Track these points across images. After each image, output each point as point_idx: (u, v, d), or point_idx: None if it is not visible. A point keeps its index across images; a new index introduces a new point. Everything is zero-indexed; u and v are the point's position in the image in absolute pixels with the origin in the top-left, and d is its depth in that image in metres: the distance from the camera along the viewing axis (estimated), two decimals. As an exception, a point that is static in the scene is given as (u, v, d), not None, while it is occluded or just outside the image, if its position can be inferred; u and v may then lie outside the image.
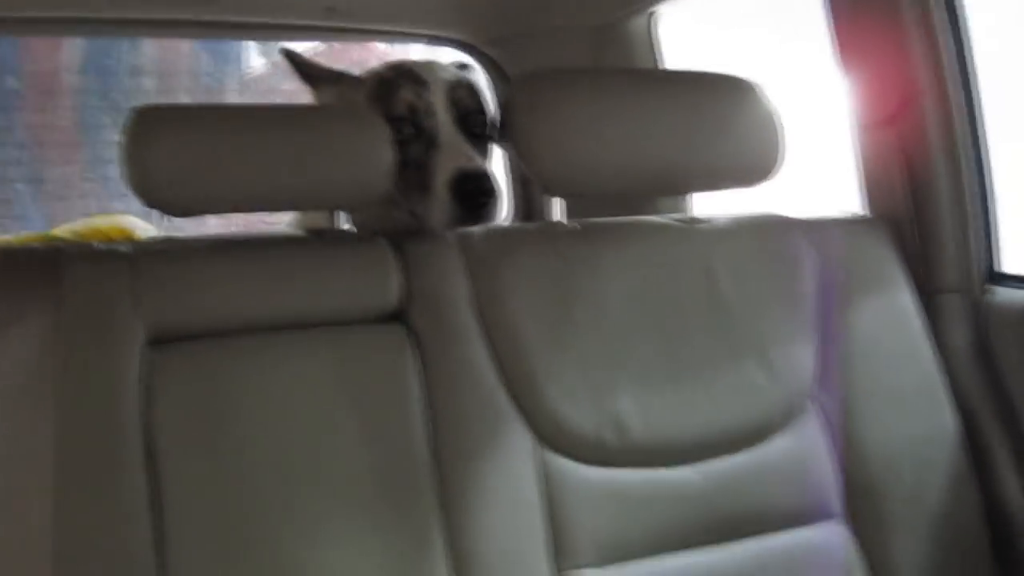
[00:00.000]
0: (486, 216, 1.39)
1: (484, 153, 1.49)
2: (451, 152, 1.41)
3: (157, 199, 1.23)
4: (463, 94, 1.49)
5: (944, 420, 1.49)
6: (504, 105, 1.44)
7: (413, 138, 1.44)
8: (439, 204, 1.38)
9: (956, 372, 1.54)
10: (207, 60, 3.05)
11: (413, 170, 1.42)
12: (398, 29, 2.24)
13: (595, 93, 1.39)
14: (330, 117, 1.38)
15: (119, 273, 1.20)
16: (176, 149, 1.21)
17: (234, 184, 1.24)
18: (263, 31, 2.22)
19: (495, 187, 1.39)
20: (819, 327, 1.47)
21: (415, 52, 2.38)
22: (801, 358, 1.45)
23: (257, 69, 3.22)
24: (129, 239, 1.77)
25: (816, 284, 1.49)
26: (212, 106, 1.36)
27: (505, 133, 1.43)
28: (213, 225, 1.77)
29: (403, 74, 1.49)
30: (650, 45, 2.17)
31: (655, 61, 2.18)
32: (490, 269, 1.36)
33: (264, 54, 3.22)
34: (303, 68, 1.58)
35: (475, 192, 1.38)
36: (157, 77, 2.90)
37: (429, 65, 1.53)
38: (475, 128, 1.48)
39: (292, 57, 1.58)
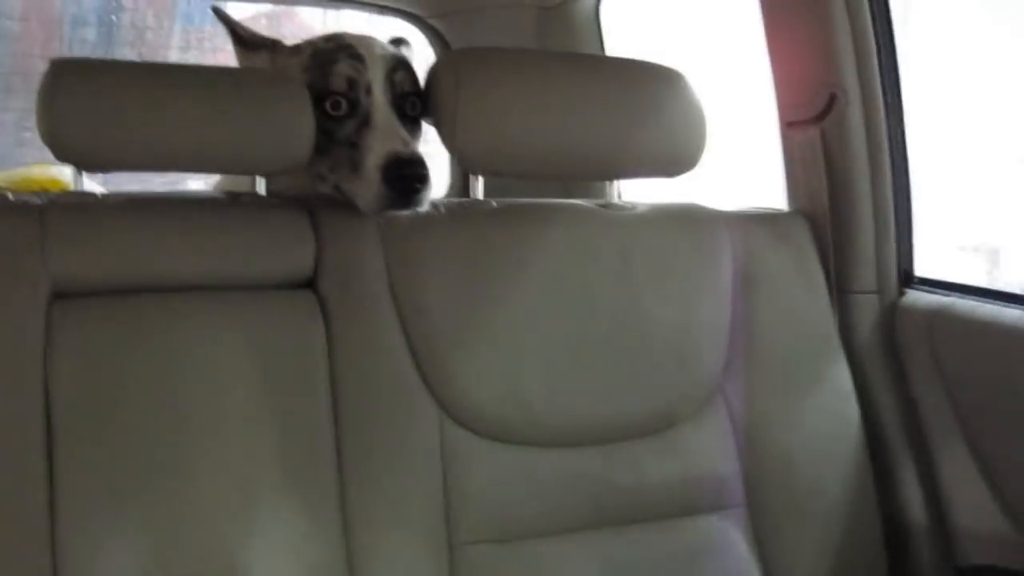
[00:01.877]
0: (417, 203, 1.38)
1: (416, 135, 1.49)
2: (386, 134, 1.40)
3: (68, 152, 1.24)
4: (401, 74, 1.47)
5: (847, 417, 1.55)
6: (429, 80, 1.46)
7: (347, 115, 1.42)
8: (370, 187, 1.36)
9: (863, 371, 1.60)
10: (151, 15, 3.05)
11: (344, 148, 1.41)
12: None
13: (520, 74, 1.43)
14: (249, 79, 1.39)
15: (28, 225, 1.20)
16: (88, 103, 1.22)
17: (145, 141, 1.26)
18: None
19: (428, 174, 1.37)
20: (731, 319, 1.52)
21: (352, 24, 2.42)
22: (711, 349, 1.50)
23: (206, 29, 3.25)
24: (64, 192, 1.73)
25: (731, 276, 1.54)
26: (128, 63, 1.36)
27: (429, 108, 1.46)
28: (154, 183, 1.76)
29: (341, 47, 1.47)
30: (594, 29, 2.23)
31: (598, 45, 2.24)
32: (404, 242, 1.38)
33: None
34: (235, 30, 1.55)
35: (408, 178, 1.36)
36: (97, 27, 2.93)
37: (368, 41, 1.51)
38: (410, 110, 1.47)
39: (224, 18, 1.55)
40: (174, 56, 3.05)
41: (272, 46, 1.56)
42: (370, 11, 2.34)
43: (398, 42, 1.70)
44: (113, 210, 1.28)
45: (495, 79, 1.41)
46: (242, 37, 1.56)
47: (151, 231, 1.27)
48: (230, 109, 1.29)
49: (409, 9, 2.30)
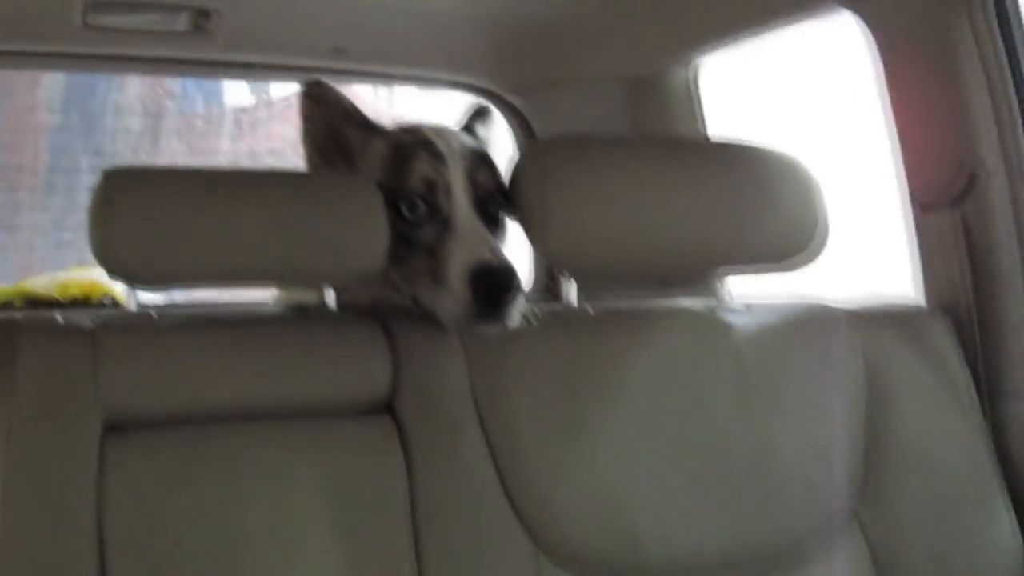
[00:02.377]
0: (506, 317, 1.34)
1: (501, 237, 1.46)
2: (470, 240, 1.37)
3: (123, 269, 1.24)
4: (483, 171, 1.45)
5: (1007, 547, 1.46)
6: (514, 175, 1.44)
7: (425, 219, 1.41)
8: (453, 300, 1.33)
9: (1019, 485, 1.51)
10: (197, 98, 3.12)
11: (422, 255, 1.39)
12: (414, 73, 2.28)
13: (614, 164, 1.39)
14: (315, 181, 1.38)
15: (80, 352, 1.20)
16: (144, 216, 1.22)
17: (205, 256, 1.25)
18: (262, 72, 2.26)
19: (519, 285, 1.34)
20: (865, 433, 1.45)
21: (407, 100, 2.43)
22: (843, 471, 1.42)
23: (246, 103, 3.27)
24: (108, 297, 1.78)
25: (863, 386, 1.47)
26: (186, 170, 1.36)
27: (514, 203, 1.43)
28: (198, 293, 1.78)
29: (420, 142, 1.45)
30: (691, 100, 2.18)
31: (698, 121, 2.18)
32: (491, 358, 1.35)
33: (253, 91, 3.28)
34: (347, 111, 1.50)
35: (497, 290, 1.33)
36: (142, 116, 2.97)
37: (447, 134, 1.50)
38: (494, 210, 1.44)
39: (327, 95, 1.50)
40: (225, 144, 3.12)
41: (369, 130, 1.51)
42: (441, 88, 2.34)
43: (479, 114, 1.68)
44: (169, 331, 1.28)
45: (587, 171, 1.37)
46: (352, 119, 1.50)
47: (210, 354, 1.26)
48: (295, 215, 1.28)
49: (484, 85, 2.29)
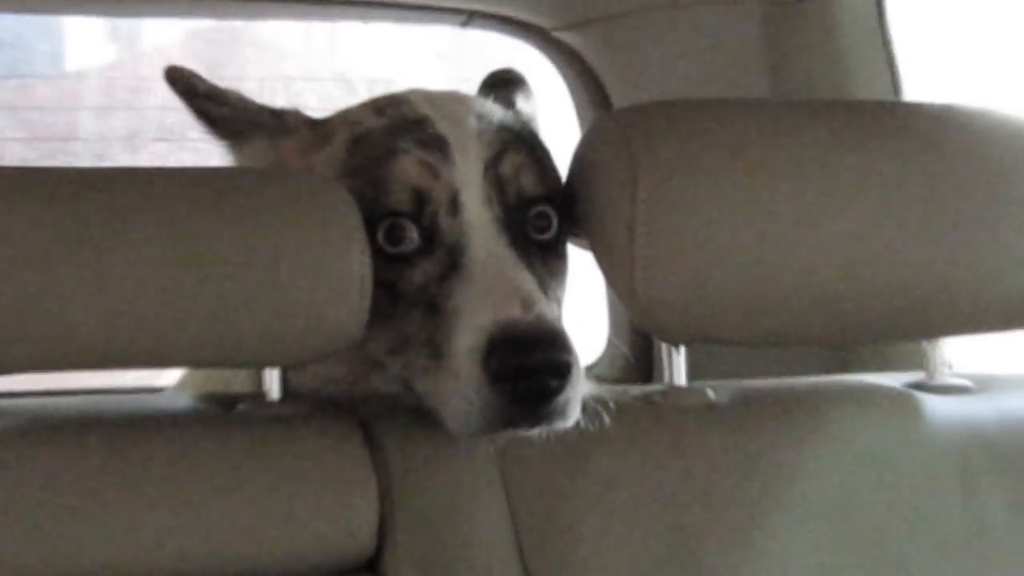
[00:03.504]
0: (553, 416, 1.20)
1: (556, 278, 1.35)
2: (490, 286, 1.24)
3: None
4: (517, 165, 1.33)
5: None
6: (575, 164, 1.30)
7: (418, 252, 1.29)
8: (462, 388, 1.21)
9: None
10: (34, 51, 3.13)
11: (416, 314, 1.28)
12: (437, 4, 2.21)
13: (743, 145, 1.28)
14: (242, 185, 1.26)
15: None
16: None
17: (52, 324, 1.15)
18: (261, 6, 2.32)
19: (571, 360, 1.18)
20: None
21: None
22: None
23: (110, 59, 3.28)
24: None
25: None
26: (12, 170, 1.28)
27: (577, 218, 1.31)
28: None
29: (403, 124, 1.33)
30: (876, 34, 1.95)
31: (886, 66, 1.93)
32: (545, 486, 1.26)
33: (114, 38, 3.28)
34: (205, 100, 1.41)
35: (534, 372, 1.19)
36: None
37: (452, 103, 1.37)
38: (539, 232, 1.32)
39: (184, 81, 1.41)
40: (87, 123, 3.14)
41: (280, 124, 1.42)
42: (470, 25, 2.24)
43: (506, 81, 1.56)
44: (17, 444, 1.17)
45: (703, 162, 1.24)
46: (219, 116, 1.44)
47: (85, 484, 1.16)
48: (213, 246, 1.17)
49: (528, 19, 2.14)
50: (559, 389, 1.20)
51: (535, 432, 1.23)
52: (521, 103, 1.54)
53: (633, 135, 1.31)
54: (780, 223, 1.27)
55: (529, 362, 1.20)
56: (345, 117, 1.39)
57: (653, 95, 1.96)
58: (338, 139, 1.38)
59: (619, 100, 2.17)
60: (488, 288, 1.25)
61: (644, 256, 1.26)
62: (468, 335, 1.22)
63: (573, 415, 1.23)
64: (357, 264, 1.21)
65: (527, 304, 1.23)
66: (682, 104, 1.43)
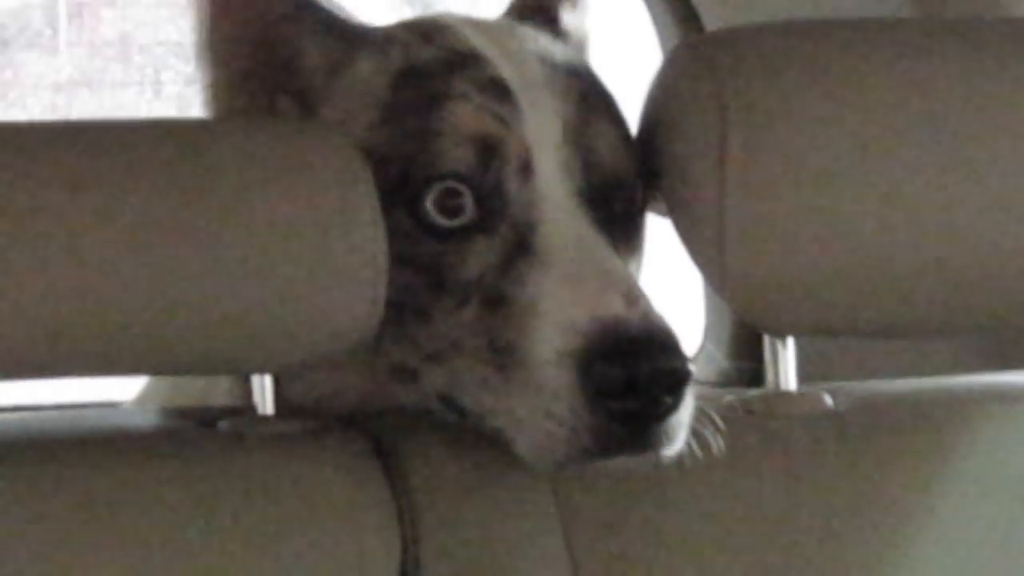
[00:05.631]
0: (662, 439, 1.07)
1: (634, 256, 1.19)
2: (579, 274, 1.09)
3: None
4: (598, 121, 1.16)
5: None
6: (649, 103, 1.14)
7: (476, 226, 1.12)
8: (550, 405, 1.07)
9: None
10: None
11: (470, 309, 1.12)
12: None
13: (874, 82, 1.12)
14: (229, 143, 1.13)
15: None
16: None
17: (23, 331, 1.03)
18: None
19: (688, 370, 1.06)
20: None
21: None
22: None
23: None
24: None
25: None
26: None
27: (653, 181, 1.16)
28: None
29: (457, 59, 1.16)
30: None
31: None
32: (615, 521, 1.13)
33: None
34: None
35: (645, 385, 1.05)
36: None
37: (504, 35, 1.19)
38: (621, 205, 1.15)
39: None
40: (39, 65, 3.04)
41: (351, 37, 1.22)
42: None
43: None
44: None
45: (819, 105, 1.10)
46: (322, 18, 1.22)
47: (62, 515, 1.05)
48: (189, 223, 1.03)
49: None
50: (674, 406, 1.07)
51: (638, 462, 1.10)
52: (568, 17, 1.37)
53: (723, 69, 1.15)
54: (913, 181, 1.12)
55: (642, 372, 1.05)
56: (390, 36, 1.22)
57: (756, 14, 1.73)
58: (376, 65, 1.21)
59: (711, 20, 1.95)
60: (578, 276, 1.10)
61: (737, 224, 1.11)
62: (557, 337, 1.07)
63: (682, 437, 1.10)
64: (369, 238, 1.07)
65: (631, 298, 1.07)
66: (792, 27, 1.27)
